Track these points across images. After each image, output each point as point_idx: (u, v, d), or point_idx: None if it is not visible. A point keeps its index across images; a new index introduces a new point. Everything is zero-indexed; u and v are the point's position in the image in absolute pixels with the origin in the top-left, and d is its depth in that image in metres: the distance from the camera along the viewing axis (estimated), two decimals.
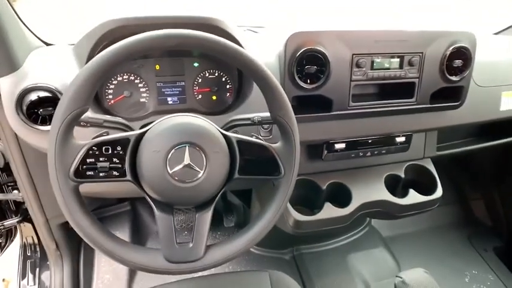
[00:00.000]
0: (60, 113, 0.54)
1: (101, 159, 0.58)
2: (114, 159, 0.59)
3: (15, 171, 0.97)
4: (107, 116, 0.68)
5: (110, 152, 0.59)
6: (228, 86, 0.95)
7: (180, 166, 0.58)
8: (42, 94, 0.74)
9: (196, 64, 0.93)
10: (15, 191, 1.06)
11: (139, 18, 0.79)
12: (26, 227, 1.20)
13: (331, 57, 0.85)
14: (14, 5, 0.77)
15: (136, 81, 0.88)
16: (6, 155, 0.95)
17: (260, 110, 0.69)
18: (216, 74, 0.94)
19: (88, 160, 0.57)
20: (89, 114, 0.60)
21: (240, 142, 0.65)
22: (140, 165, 0.59)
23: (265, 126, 0.88)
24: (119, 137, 0.60)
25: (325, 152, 0.99)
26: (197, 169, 0.59)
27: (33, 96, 0.73)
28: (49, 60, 0.83)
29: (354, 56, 0.87)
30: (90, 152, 0.57)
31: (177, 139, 0.59)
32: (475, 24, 1.20)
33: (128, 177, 0.60)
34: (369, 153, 1.03)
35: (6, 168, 1.00)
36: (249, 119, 0.70)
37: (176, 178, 0.58)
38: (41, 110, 0.74)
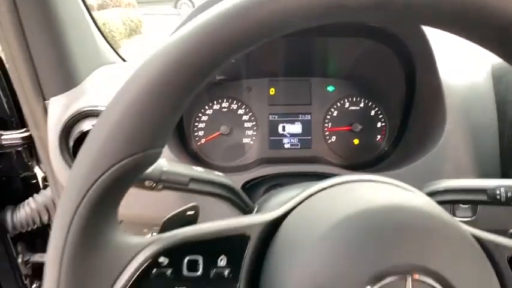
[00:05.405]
0: (89, 167, 0.20)
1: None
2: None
3: None
4: (198, 169, 0.34)
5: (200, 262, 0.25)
6: (379, 124, 0.66)
7: None
8: None
9: (331, 88, 0.66)
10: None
11: None
12: None
13: None
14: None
15: (240, 111, 0.65)
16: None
17: (449, 170, 0.50)
18: (362, 105, 0.65)
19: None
20: (163, 163, 0.31)
21: None
22: None
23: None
24: (227, 230, 0.25)
25: None
26: None
27: (86, 126, 0.52)
28: (116, 78, 0.58)
29: None
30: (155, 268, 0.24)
31: (384, 260, 0.22)
32: None
33: None
34: None
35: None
36: (483, 190, 0.35)
37: None
38: None
